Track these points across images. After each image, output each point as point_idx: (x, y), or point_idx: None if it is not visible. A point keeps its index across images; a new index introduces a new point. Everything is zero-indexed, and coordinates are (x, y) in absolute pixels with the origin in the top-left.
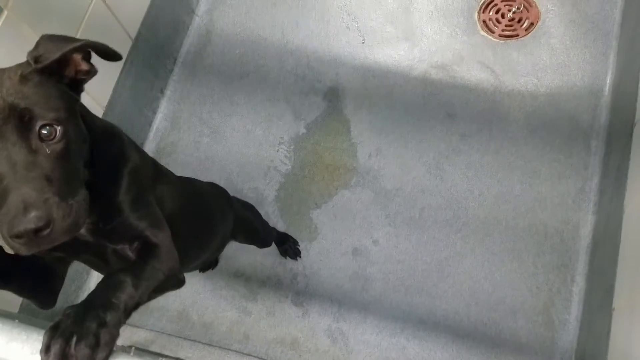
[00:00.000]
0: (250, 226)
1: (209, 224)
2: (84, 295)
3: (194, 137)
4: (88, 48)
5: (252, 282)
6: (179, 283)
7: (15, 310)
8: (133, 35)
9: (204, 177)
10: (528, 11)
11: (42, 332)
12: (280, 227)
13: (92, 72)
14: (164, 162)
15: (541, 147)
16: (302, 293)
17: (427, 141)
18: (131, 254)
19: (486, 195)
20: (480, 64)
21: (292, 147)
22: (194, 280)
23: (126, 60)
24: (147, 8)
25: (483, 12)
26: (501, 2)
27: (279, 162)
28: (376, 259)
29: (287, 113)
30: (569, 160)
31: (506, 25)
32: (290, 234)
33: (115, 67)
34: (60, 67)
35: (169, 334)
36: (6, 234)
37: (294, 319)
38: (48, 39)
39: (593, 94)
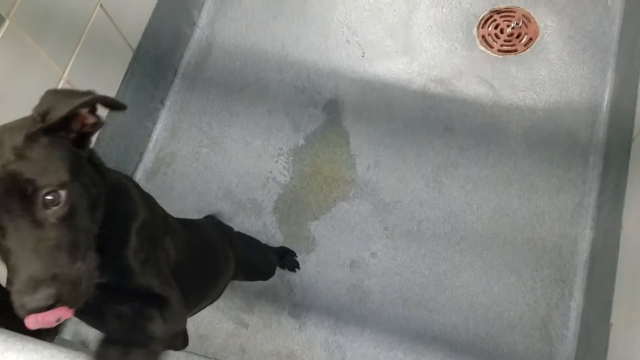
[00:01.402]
0: (253, 267)
1: (211, 271)
2: None
3: (194, 147)
4: (96, 103)
5: (248, 293)
6: (184, 342)
7: None
8: (134, 46)
9: (203, 188)
10: (527, 27)
11: (38, 342)
12: (278, 238)
13: (98, 124)
14: (163, 172)
15: (539, 161)
16: (299, 305)
17: (426, 154)
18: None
19: (484, 209)
20: (479, 78)
21: (291, 158)
22: None
23: (127, 71)
24: (149, 19)
25: (482, 27)
26: (500, 17)
27: (278, 174)
28: (374, 272)
29: (286, 125)
30: (567, 175)
31: (505, 41)
32: (288, 245)
33: (116, 78)
34: (66, 123)
35: None
36: (19, 309)
37: (290, 331)
38: (53, 94)
39: (591, 110)
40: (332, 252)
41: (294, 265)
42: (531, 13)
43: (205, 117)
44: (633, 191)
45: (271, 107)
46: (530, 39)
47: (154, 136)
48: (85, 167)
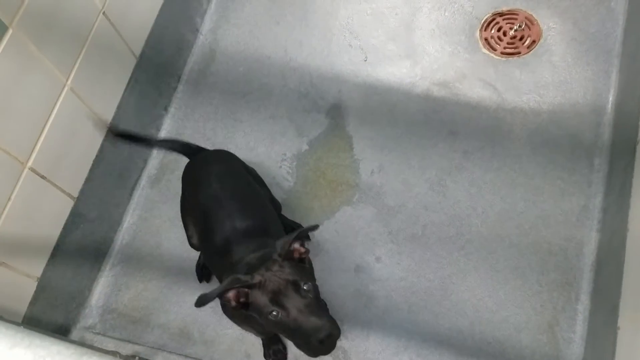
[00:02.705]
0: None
1: None
2: (85, 312)
3: None
4: (301, 237)
5: None
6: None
7: (19, 320)
8: (137, 53)
9: None
10: (530, 29)
11: (45, 338)
12: None
13: (307, 251)
14: (167, 178)
15: (544, 164)
16: None
17: (430, 158)
18: None
19: (489, 213)
20: (482, 81)
21: (294, 163)
22: (194, 297)
23: (130, 78)
24: (152, 27)
25: (485, 30)
26: (503, 20)
27: (282, 179)
28: (379, 276)
29: (289, 130)
30: (572, 178)
31: (508, 43)
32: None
33: (119, 85)
34: (293, 255)
35: (170, 352)
36: (312, 339)
37: None
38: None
39: (595, 112)
40: (336, 257)
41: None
42: (534, 15)
43: (209, 123)
44: (639, 193)
45: (274, 113)
46: (533, 42)
47: None
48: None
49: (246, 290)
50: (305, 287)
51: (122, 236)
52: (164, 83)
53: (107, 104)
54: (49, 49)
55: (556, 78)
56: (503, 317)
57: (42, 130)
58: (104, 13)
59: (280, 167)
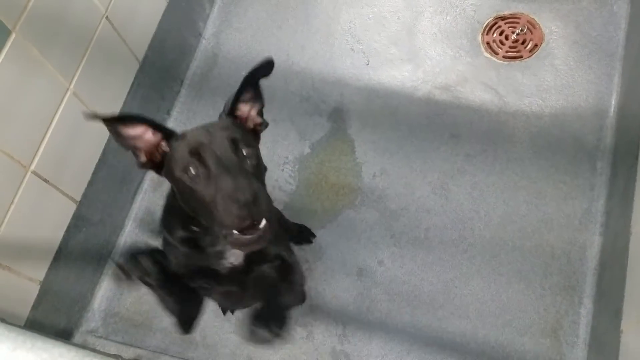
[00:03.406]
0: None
1: None
2: (87, 315)
3: None
4: (249, 87)
5: None
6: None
7: (22, 324)
8: (140, 57)
9: None
10: (532, 33)
11: (47, 340)
12: None
13: (264, 124)
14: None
15: (546, 167)
16: (306, 314)
17: (432, 161)
18: (271, 272)
19: (492, 216)
20: (484, 85)
21: (296, 167)
22: None
23: (133, 82)
24: (155, 31)
25: (487, 34)
26: (505, 24)
27: (284, 182)
28: (381, 280)
29: (291, 133)
30: (574, 181)
31: (510, 47)
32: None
33: (122, 90)
34: (242, 120)
35: (172, 355)
36: (230, 204)
37: (298, 340)
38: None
39: (598, 115)
40: (338, 261)
41: (310, 235)
42: (536, 19)
43: None
44: None
45: (276, 116)
46: (536, 45)
47: None
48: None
49: (164, 143)
50: (244, 151)
51: (125, 240)
52: (167, 87)
53: (110, 108)
54: (52, 53)
55: (558, 81)
56: (506, 321)
57: (44, 134)
58: (107, 17)
59: (283, 170)
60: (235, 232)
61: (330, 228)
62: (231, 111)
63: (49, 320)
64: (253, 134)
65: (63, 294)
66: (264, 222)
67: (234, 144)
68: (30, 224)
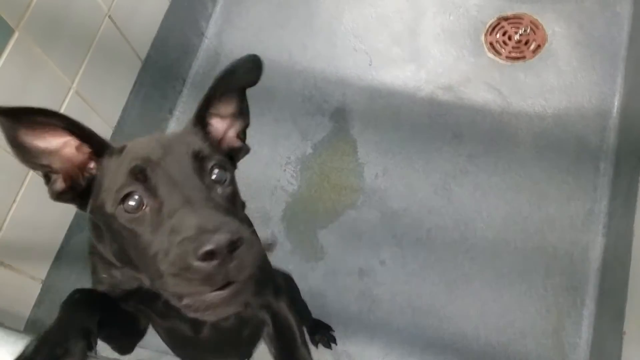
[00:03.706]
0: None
1: None
2: None
3: None
4: (220, 83)
5: None
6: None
7: (23, 323)
8: (142, 56)
9: None
10: (535, 33)
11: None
12: (287, 247)
13: (244, 149)
14: None
15: (549, 168)
16: None
17: (434, 161)
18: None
19: (494, 216)
20: (487, 85)
21: (298, 167)
22: None
23: (135, 82)
24: (157, 30)
25: (490, 34)
26: (508, 24)
27: (286, 182)
28: (383, 280)
29: (293, 133)
30: (577, 182)
31: (513, 47)
32: (296, 254)
33: (125, 89)
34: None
35: (174, 355)
36: (191, 254)
37: None
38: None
39: (601, 116)
40: (340, 261)
41: (329, 340)
42: (539, 20)
43: None
44: None
45: (278, 116)
46: (539, 46)
47: None
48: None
49: (92, 162)
50: (215, 169)
51: None
52: (169, 86)
53: (113, 107)
54: (55, 51)
55: (561, 82)
56: (508, 322)
57: None
58: (109, 17)
59: (285, 170)
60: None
61: (332, 228)
62: (198, 120)
63: (51, 319)
64: (228, 158)
65: (65, 292)
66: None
67: (199, 162)
68: (33, 223)
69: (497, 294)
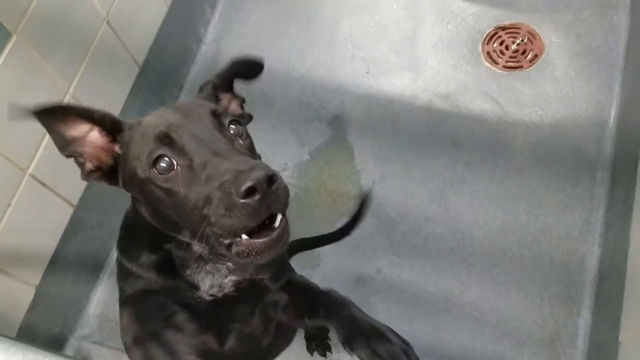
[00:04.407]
0: None
1: None
2: (82, 320)
3: None
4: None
5: None
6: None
7: (14, 334)
8: (140, 62)
9: None
10: (532, 43)
11: (39, 351)
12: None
13: (247, 116)
14: None
15: (546, 177)
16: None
17: (431, 169)
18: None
19: (491, 225)
20: (485, 94)
21: (295, 173)
22: None
23: (133, 87)
24: (155, 35)
25: (487, 44)
26: (505, 34)
27: None
28: (379, 288)
29: (291, 140)
30: (574, 191)
31: (510, 57)
32: (292, 261)
33: (122, 94)
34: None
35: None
36: (234, 193)
37: (294, 349)
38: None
39: (598, 126)
40: (336, 268)
41: (325, 348)
42: (536, 29)
43: None
44: None
45: (276, 122)
46: (536, 56)
47: None
48: None
49: (112, 136)
50: (232, 125)
51: None
52: (167, 92)
53: (110, 112)
54: (52, 56)
55: (558, 92)
56: (504, 331)
57: (43, 137)
58: (107, 22)
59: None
60: (243, 236)
61: None
62: (211, 93)
63: (44, 324)
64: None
65: (58, 298)
66: (279, 217)
67: (217, 119)
68: (27, 227)
69: (494, 303)
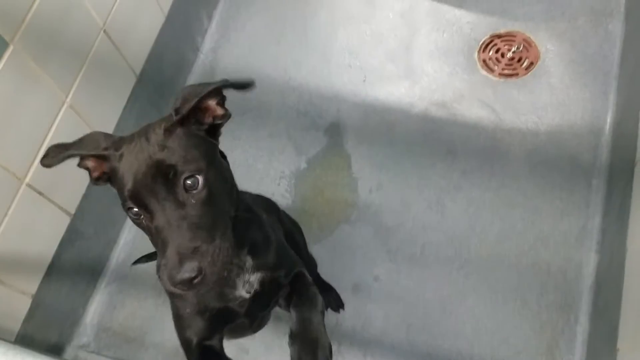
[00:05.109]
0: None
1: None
2: (79, 330)
3: None
4: (220, 90)
5: None
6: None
7: (12, 337)
8: (138, 71)
9: None
10: (528, 51)
11: (37, 355)
12: None
13: (227, 115)
14: None
15: (542, 184)
16: None
17: (428, 177)
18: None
19: (488, 233)
20: (481, 102)
21: (292, 181)
22: None
23: (130, 96)
24: (152, 45)
25: (483, 52)
26: (501, 42)
27: (280, 197)
28: (377, 296)
29: (288, 148)
30: (570, 199)
31: (506, 65)
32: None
33: (119, 103)
34: (198, 115)
35: None
36: (168, 282)
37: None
38: (186, 89)
39: (593, 133)
40: (334, 276)
41: (338, 305)
42: (532, 37)
43: None
44: (637, 214)
45: (273, 131)
46: (532, 63)
47: None
48: (218, 155)
49: (102, 163)
50: (187, 181)
51: (118, 254)
52: (164, 101)
53: (107, 122)
54: (49, 65)
55: (554, 99)
56: (502, 339)
57: (40, 146)
58: (104, 31)
59: (279, 184)
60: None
61: (325, 243)
62: (177, 111)
63: (40, 334)
64: (212, 131)
65: (55, 307)
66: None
67: (172, 179)
68: (24, 237)
69: (491, 311)
